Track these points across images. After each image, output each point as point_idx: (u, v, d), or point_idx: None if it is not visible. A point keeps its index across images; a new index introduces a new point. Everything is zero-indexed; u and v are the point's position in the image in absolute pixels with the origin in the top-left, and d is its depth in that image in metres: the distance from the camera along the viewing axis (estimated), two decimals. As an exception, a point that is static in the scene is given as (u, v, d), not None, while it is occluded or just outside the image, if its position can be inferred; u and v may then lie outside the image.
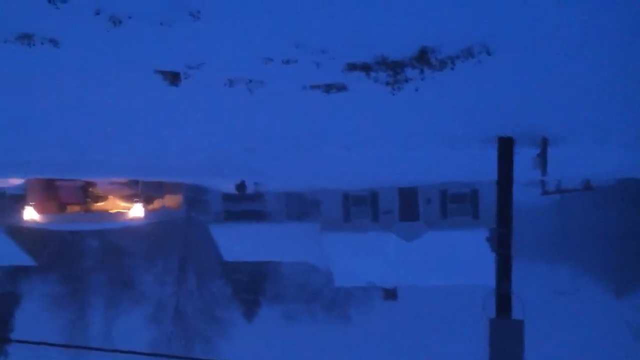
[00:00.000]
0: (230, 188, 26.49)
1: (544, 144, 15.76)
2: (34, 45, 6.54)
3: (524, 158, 15.73)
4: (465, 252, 26.83)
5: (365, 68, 7.33)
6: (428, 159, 20.74)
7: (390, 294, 32.29)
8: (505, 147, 14.99)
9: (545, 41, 7.70)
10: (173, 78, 7.80)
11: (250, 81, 8.06)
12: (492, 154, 16.43)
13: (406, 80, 7.60)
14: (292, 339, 38.31)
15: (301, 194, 30.50)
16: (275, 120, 11.28)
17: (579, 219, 36.83)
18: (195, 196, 31.73)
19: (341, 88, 8.28)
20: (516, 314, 15.30)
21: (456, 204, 28.33)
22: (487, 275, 25.75)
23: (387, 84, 7.64)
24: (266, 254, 33.69)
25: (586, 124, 13.95)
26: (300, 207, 31.03)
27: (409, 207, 28.50)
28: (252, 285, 41.70)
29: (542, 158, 15.87)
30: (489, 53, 7.18)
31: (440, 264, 27.96)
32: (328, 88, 8.29)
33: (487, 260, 25.55)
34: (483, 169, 22.91)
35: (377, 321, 36.43)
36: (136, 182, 25.04)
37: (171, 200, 28.66)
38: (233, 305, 42.45)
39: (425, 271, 28.58)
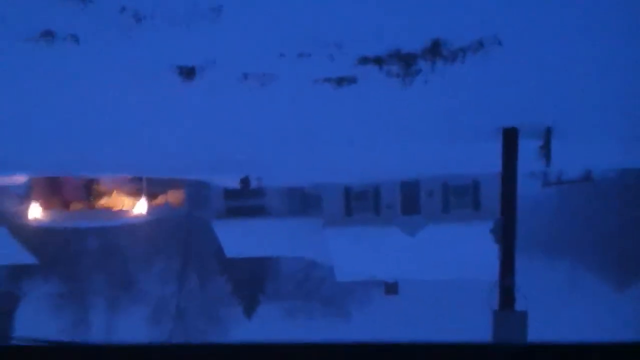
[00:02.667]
0: (233, 184, 26.59)
1: (548, 134, 15.89)
2: (54, 42, 6.62)
3: (525, 150, 15.86)
4: (467, 246, 26.95)
5: (378, 61, 7.43)
6: (430, 152, 20.87)
7: (392, 289, 32.42)
8: (510, 138, 15.12)
9: (553, 33, 7.80)
10: (188, 73, 7.88)
11: (263, 75, 8.15)
12: (494, 145, 16.57)
13: (417, 73, 7.70)
14: (292, 335, 38.46)
15: (303, 189, 30.61)
16: (283, 114, 11.38)
17: (579, 210, 36.99)
18: (197, 192, 31.82)
19: (352, 81, 8.37)
20: (519, 307, 15.43)
21: (458, 197, 28.47)
22: (489, 269, 25.92)
23: (398, 76, 7.73)
24: (268, 249, 33.81)
25: (589, 115, 14.06)
26: (302, 203, 31.14)
27: (410, 201, 28.64)
28: (252, 281, 41.81)
29: (547, 149, 16.00)
30: (499, 44, 7.28)
31: (442, 258, 28.09)
32: (339, 82, 8.38)
33: (489, 253, 25.70)
34: (485, 161, 23.07)
35: (378, 316, 36.55)
36: (140, 179, 25.13)
37: (174, 197, 28.76)
38: (233, 302, 42.57)
39: (427, 265, 28.72)
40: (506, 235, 15.16)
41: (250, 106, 10.46)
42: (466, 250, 26.95)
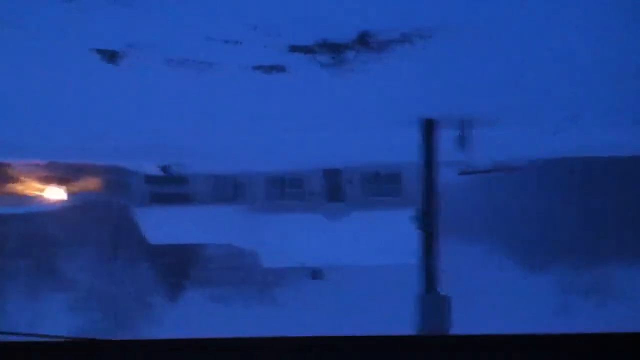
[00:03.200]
0: (155, 170, 26.23)
1: (464, 125, 16.44)
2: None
3: (446, 139, 16.34)
4: (390, 232, 27.51)
5: (308, 50, 7.52)
6: (354, 140, 21.18)
7: (317, 274, 32.77)
8: (429, 128, 15.57)
9: (475, 29, 8.09)
10: (111, 57, 7.75)
11: (191, 61, 8.10)
12: (416, 135, 16.99)
13: (345, 63, 7.84)
14: (218, 321, 38.32)
15: (229, 176, 30.48)
16: (209, 101, 11.33)
17: (496, 198, 38.28)
18: (117, 179, 31.19)
19: (280, 69, 8.44)
20: (442, 290, 15.96)
21: (380, 184, 28.99)
22: (412, 254, 26.56)
23: (326, 66, 7.85)
24: (193, 236, 33.54)
25: (509, 108, 14.60)
26: (227, 189, 31.02)
27: (334, 188, 28.97)
28: (177, 268, 41.40)
29: (464, 139, 16.56)
30: (423, 38, 7.50)
31: (365, 244, 28.58)
32: (268, 70, 8.43)
33: (411, 239, 26.32)
34: (406, 150, 23.56)
35: (304, 301, 36.90)
36: (57, 164, 24.44)
37: (93, 183, 28.11)
38: (159, 289, 42.06)
39: (352, 251, 29.17)
40: (427, 221, 15.62)
41: (175, 92, 10.37)
42: (389, 236, 27.52)
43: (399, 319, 19.10)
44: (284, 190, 29.56)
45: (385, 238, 27.74)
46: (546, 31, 8.95)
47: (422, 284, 15.97)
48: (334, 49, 7.47)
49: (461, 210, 34.24)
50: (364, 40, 7.20)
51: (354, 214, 28.55)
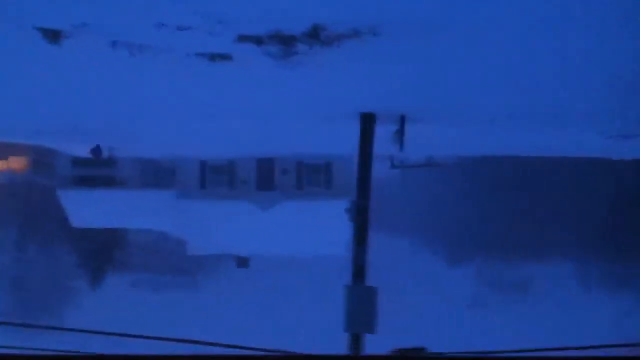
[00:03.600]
0: (83, 151, 25.57)
1: (402, 121, 16.72)
2: None
3: (382, 134, 16.58)
4: (320, 223, 27.73)
5: (257, 40, 7.51)
6: (289, 131, 21.22)
7: (243, 262, 32.70)
8: (367, 122, 15.76)
9: (422, 28, 8.25)
10: (54, 36, 7.53)
11: (136, 45, 7.96)
12: (349, 128, 17.17)
13: (294, 55, 7.86)
14: (140, 307, 37.78)
15: (160, 162, 30.00)
16: (147, 86, 11.14)
17: (425, 193, 39.09)
18: (43, 159, 30.24)
19: (226, 58, 8.39)
20: (370, 281, 16.19)
21: (311, 175, 29.15)
22: (340, 245, 26.88)
23: (275, 56, 7.86)
24: (118, 220, 32.86)
25: (445, 106, 14.93)
26: (156, 174, 30.53)
27: (265, 177, 28.95)
28: (99, 252, 40.52)
29: (400, 134, 16.85)
30: (373, 34, 7.61)
31: (295, 234, 28.70)
32: (212, 57, 8.36)
33: (341, 230, 26.64)
34: (338, 142, 23.80)
35: (227, 289, 36.79)
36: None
37: (16, 163, 27.16)
38: (79, 273, 41.09)
39: (280, 241, 29.24)
40: (360, 213, 15.81)
41: (114, 75, 10.16)
42: (318, 227, 27.73)
43: (326, 309, 19.36)
44: (216, 178, 29.35)
45: (315, 229, 27.94)
46: (485, 32, 9.21)
47: (351, 274, 16.17)
48: (285, 41, 7.50)
49: (391, 204, 34.85)
50: (315, 33, 7.25)
51: (285, 204, 28.62)
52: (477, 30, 8.99)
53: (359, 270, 15.56)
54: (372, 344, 16.11)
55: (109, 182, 30.41)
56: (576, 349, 5.82)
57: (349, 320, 15.39)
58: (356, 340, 15.55)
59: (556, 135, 19.89)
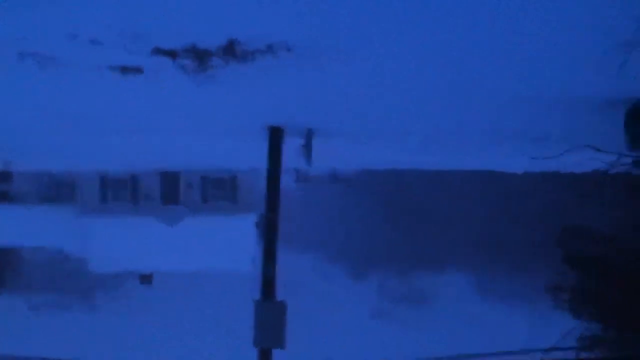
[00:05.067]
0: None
1: (310, 135, 16.96)
2: None
3: (290, 148, 16.75)
4: (225, 237, 27.51)
5: (172, 54, 7.45)
6: (194, 145, 21.01)
7: (146, 279, 31.91)
8: (276, 136, 15.86)
9: (333, 46, 8.46)
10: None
11: (46, 57, 7.72)
12: (256, 142, 17.24)
13: (208, 69, 7.85)
14: (37, 330, 36.13)
15: (59, 176, 28.90)
16: (53, 98, 10.82)
17: (327, 206, 39.50)
18: None
19: (137, 71, 8.27)
20: (279, 296, 16.27)
21: (219, 189, 28.90)
22: (246, 259, 26.73)
23: (188, 70, 7.82)
24: (13, 239, 31.34)
25: (352, 121, 15.25)
26: (54, 189, 29.39)
27: (170, 192, 28.45)
28: (-9, 272, 38.49)
29: (308, 148, 17.08)
30: (287, 50, 7.72)
31: (200, 249, 28.32)
32: (124, 70, 8.23)
33: (247, 245, 26.51)
34: (249, 156, 23.76)
35: (130, 307, 35.79)
36: None
37: None
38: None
39: (186, 256, 28.77)
40: (269, 228, 15.87)
41: (19, 86, 9.81)
42: (224, 242, 27.50)
43: (235, 325, 19.21)
44: (118, 192, 28.59)
45: (220, 243, 27.69)
46: (395, 51, 9.51)
47: (260, 290, 16.19)
48: (200, 55, 7.47)
49: (295, 218, 35.00)
50: (231, 48, 7.27)
51: (190, 219, 28.21)
52: (386, 49, 9.28)
53: (268, 285, 15.60)
54: (280, 359, 16.12)
55: (3, 198, 29.03)
56: (492, 354, 6.06)
57: (258, 336, 15.40)
58: (265, 356, 15.57)
59: (461, 150, 20.67)
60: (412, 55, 9.91)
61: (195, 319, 31.93)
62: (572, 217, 19.90)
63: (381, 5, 8.31)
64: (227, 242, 27.38)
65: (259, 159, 20.80)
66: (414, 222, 41.50)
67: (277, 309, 15.49)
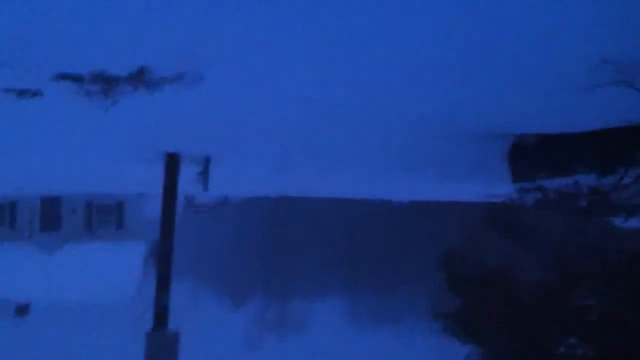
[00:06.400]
0: None
1: (207, 162, 16.82)
2: None
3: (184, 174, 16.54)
4: (110, 266, 26.63)
5: (78, 79, 7.27)
6: (79, 170, 20.31)
7: (23, 310, 30.25)
8: (172, 162, 15.60)
9: (237, 74, 8.53)
10: None
11: None
12: (144, 168, 16.93)
13: (113, 95, 7.71)
14: None
15: None
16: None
17: (214, 233, 39.08)
18: None
19: (35, 94, 8.01)
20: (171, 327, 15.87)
21: (102, 215, 27.98)
22: (131, 289, 25.97)
23: (92, 95, 7.65)
24: None
25: (242, 147, 15.30)
26: None
27: (50, 217, 27.24)
28: None
29: (205, 175, 16.92)
30: (194, 78, 7.73)
31: (82, 278, 27.24)
32: (20, 93, 7.94)
33: (132, 273, 25.79)
34: (131, 182, 23.19)
35: (4, 340, 33.70)
36: None
37: None
38: None
39: (67, 285, 27.56)
40: (163, 256, 15.51)
41: None
42: (108, 270, 26.61)
43: (122, 358, 18.55)
44: (-6, 218, 27.09)
45: (104, 272, 26.76)
46: (290, 79, 9.71)
47: (152, 320, 15.74)
48: (108, 81, 7.34)
49: (182, 246, 34.32)
50: (140, 75, 7.19)
51: (72, 246, 27.11)
52: (282, 77, 9.47)
53: (161, 315, 15.19)
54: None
55: None
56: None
57: (150, 367, 14.95)
58: (154, 387, 15.12)
59: (347, 178, 21.10)
60: (314, 85, 10.13)
61: (76, 351, 30.47)
62: (456, 243, 20.76)
63: (281, 38, 8.45)
64: (111, 271, 26.43)
65: (148, 185, 20.41)
66: (295, 249, 41.88)
67: (169, 339, 15.10)
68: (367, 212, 37.29)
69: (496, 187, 15.61)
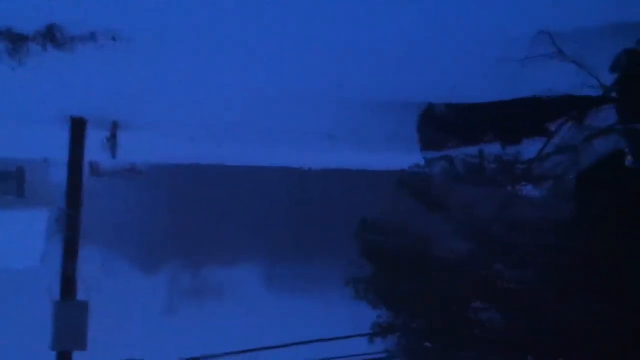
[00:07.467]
0: None
1: (115, 127, 16.22)
2: None
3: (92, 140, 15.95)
4: (12, 234, 25.56)
5: (-18, 37, 6.77)
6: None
7: None
8: (78, 128, 14.95)
9: (157, 39, 8.24)
10: None
11: None
12: (46, 132, 16.24)
13: (23, 55, 7.24)
14: None
15: None
16: None
17: (122, 201, 38.16)
18: None
19: None
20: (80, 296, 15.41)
21: (4, 182, 26.75)
22: (35, 257, 25.04)
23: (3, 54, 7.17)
24: None
25: (152, 114, 14.89)
26: None
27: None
28: None
29: (113, 141, 16.33)
30: (114, 39, 7.37)
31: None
32: None
33: (36, 242, 24.83)
34: (32, 147, 22.22)
35: None
36: None
37: None
38: None
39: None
40: (70, 225, 14.96)
41: None
42: (10, 239, 25.56)
43: (31, 327, 17.90)
44: None
45: (6, 240, 25.67)
46: (211, 48, 9.47)
47: (61, 289, 15.23)
48: (15, 39, 6.88)
49: (89, 213, 33.26)
50: (51, 34, 6.77)
51: (-30, 214, 25.80)
52: (200, 47, 9.20)
53: (68, 284, 14.70)
54: (81, 360, 15.43)
55: None
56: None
57: (57, 338, 14.48)
58: (64, 358, 14.71)
59: (262, 146, 20.96)
60: (231, 51, 9.92)
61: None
62: (369, 212, 21.04)
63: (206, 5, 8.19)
64: (13, 239, 25.31)
65: (52, 150, 19.58)
66: (210, 216, 41.50)
67: (78, 309, 14.66)
68: (285, 180, 37.30)
69: (410, 156, 15.85)
